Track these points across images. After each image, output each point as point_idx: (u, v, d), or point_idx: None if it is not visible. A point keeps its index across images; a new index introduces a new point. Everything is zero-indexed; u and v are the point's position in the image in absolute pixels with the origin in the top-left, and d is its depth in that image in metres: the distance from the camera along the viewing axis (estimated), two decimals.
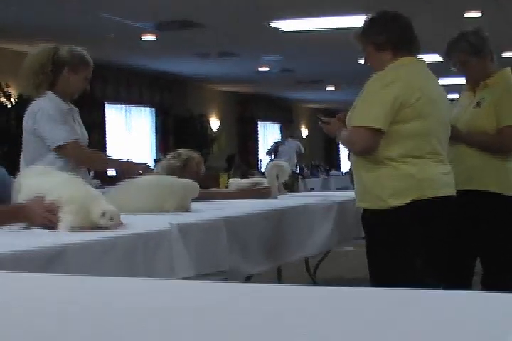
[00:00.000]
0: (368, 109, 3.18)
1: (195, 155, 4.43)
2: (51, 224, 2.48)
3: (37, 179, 2.70)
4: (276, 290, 1.30)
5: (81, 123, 3.99)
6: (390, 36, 3.28)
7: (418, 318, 0.99)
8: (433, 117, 3.21)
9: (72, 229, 2.43)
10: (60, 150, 3.73)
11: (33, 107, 3.80)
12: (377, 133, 3.13)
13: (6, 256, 1.92)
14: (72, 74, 3.84)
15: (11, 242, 2.14)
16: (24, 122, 3.83)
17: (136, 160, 4.04)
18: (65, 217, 2.46)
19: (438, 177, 3.22)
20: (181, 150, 4.51)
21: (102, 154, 3.89)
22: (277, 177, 4.49)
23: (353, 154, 3.34)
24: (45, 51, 3.84)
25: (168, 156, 4.45)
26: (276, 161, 4.89)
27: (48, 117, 3.71)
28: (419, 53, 3.35)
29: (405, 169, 3.16)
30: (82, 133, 3.93)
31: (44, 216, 2.49)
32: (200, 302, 1.16)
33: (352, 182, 11.59)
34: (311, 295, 1.23)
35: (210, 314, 1.06)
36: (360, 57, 11.45)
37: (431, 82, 3.32)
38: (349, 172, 15.50)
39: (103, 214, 2.46)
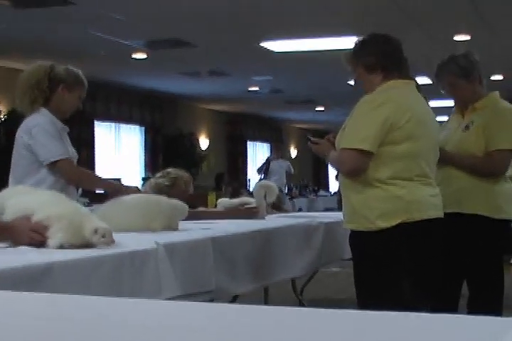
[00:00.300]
0: (357, 130, 3.19)
1: (184, 174, 4.43)
2: (37, 244, 2.46)
3: (22, 197, 2.68)
4: (261, 311, 1.30)
5: (69, 141, 3.99)
6: (381, 58, 3.29)
7: None
8: (422, 139, 3.22)
9: (62, 246, 2.42)
10: (53, 166, 3.73)
11: (28, 122, 3.80)
12: (366, 154, 3.14)
13: None
14: (66, 92, 3.87)
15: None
16: (18, 137, 3.82)
17: (125, 181, 4.05)
18: (55, 234, 2.44)
19: (426, 200, 3.22)
20: (170, 170, 4.51)
21: (93, 174, 3.90)
22: (265, 197, 4.50)
23: (341, 175, 3.34)
24: (41, 67, 3.88)
25: (157, 175, 4.45)
26: (264, 181, 4.91)
27: (44, 133, 3.72)
28: (408, 75, 3.36)
29: (394, 191, 3.16)
30: (72, 152, 3.93)
31: (30, 236, 2.47)
32: (185, 323, 1.16)
33: (339, 202, 11.59)
34: (297, 316, 1.23)
35: (195, 334, 1.05)
36: (350, 79, 11.47)
37: (420, 104, 3.33)
38: (337, 193, 15.57)
39: (95, 231, 2.44)
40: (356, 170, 3.18)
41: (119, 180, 10.12)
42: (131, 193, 3.74)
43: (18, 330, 1.11)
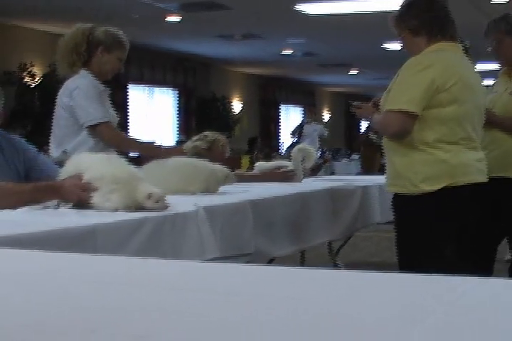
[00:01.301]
0: (403, 92, 3.15)
1: (221, 137, 4.42)
2: (85, 203, 2.48)
3: (78, 157, 2.71)
4: (301, 273, 1.30)
5: (110, 104, 3.99)
6: (426, 21, 3.24)
7: (454, 304, 0.99)
8: (468, 103, 3.18)
9: (117, 210, 2.43)
10: (93, 129, 3.73)
11: (68, 85, 3.79)
12: (411, 116, 3.10)
13: (37, 234, 1.93)
14: (106, 54, 3.85)
15: (43, 221, 2.16)
16: (58, 99, 3.81)
17: (164, 144, 4.04)
18: (109, 197, 2.45)
19: (471, 164, 3.19)
20: (207, 133, 4.50)
21: (132, 138, 3.90)
22: (302, 161, 4.48)
23: (386, 138, 3.31)
24: (80, 31, 3.86)
25: (194, 138, 4.44)
26: (303, 145, 4.87)
27: (84, 95, 3.71)
28: (455, 38, 3.31)
29: (439, 155, 3.14)
30: (113, 115, 3.93)
31: (79, 194, 2.50)
32: (228, 285, 1.16)
33: (362, 167, 11.53)
34: (336, 278, 1.23)
35: (238, 296, 1.06)
36: (385, 41, 11.36)
37: (467, 68, 3.29)
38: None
39: (149, 196, 2.45)
40: (402, 132, 3.15)
41: (152, 143, 10.19)
42: (173, 154, 3.73)
43: (64, 291, 1.12)
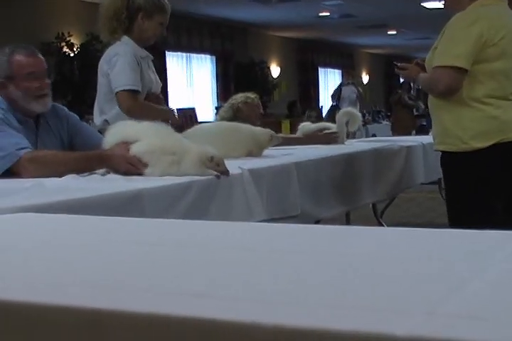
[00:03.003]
0: (450, 48, 3.10)
1: (245, 100, 4.47)
2: (134, 170, 2.51)
3: (123, 125, 2.72)
4: (356, 231, 1.29)
5: (153, 69, 3.93)
6: None
7: (507, 260, 0.97)
8: None
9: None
10: (116, 96, 3.65)
11: (109, 51, 3.76)
12: (460, 71, 3.06)
13: (85, 200, 1.94)
14: (146, 20, 3.78)
15: (91, 187, 2.18)
16: (100, 66, 3.78)
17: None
18: (174, 167, 2.47)
19: None
20: (233, 98, 4.55)
21: (155, 107, 3.75)
22: (347, 124, 4.46)
23: (432, 95, 3.26)
24: None
25: (225, 105, 4.52)
26: (348, 109, 4.85)
27: (121, 62, 3.63)
28: None
29: (488, 111, 3.09)
30: (155, 81, 3.88)
31: (127, 167, 2.52)
32: (286, 244, 1.16)
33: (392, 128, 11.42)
34: (389, 235, 1.22)
35: (299, 255, 1.05)
36: (423, 0, 11.19)
37: None
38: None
39: (211, 159, 2.45)
40: (452, 88, 3.10)
41: (193, 109, 10.21)
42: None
43: (112, 253, 1.12)
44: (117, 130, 2.70)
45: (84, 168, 2.60)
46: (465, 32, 3.07)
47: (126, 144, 2.57)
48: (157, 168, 2.47)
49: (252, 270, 0.95)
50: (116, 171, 2.57)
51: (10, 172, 2.60)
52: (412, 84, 14.30)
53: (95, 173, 2.58)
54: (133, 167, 2.52)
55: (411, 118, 15.05)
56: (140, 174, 2.49)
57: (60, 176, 2.48)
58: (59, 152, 2.84)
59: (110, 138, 2.68)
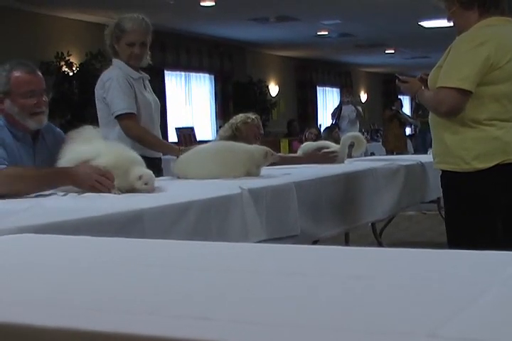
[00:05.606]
0: (457, 69, 3.07)
1: (245, 121, 4.49)
2: (102, 188, 2.54)
3: (76, 146, 2.77)
4: (355, 252, 1.29)
5: (150, 89, 4.02)
6: None
7: (507, 281, 0.97)
8: None
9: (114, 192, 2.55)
10: (117, 120, 3.80)
11: (103, 76, 3.90)
12: (465, 94, 3.04)
13: (85, 220, 1.94)
14: (116, 44, 3.93)
15: (89, 207, 2.18)
16: (96, 91, 3.92)
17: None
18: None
19: None
20: (233, 118, 4.58)
21: (154, 136, 3.86)
22: (350, 146, 4.46)
23: (435, 115, 3.24)
24: (111, 23, 3.99)
25: (222, 128, 4.56)
26: (356, 133, 4.88)
27: (114, 86, 3.79)
28: (508, 13, 3.18)
29: (491, 132, 3.08)
30: (153, 100, 3.97)
31: (97, 179, 2.54)
32: (276, 265, 1.16)
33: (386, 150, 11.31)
34: (388, 256, 1.22)
35: (295, 276, 1.05)
36: (421, 19, 11.21)
37: None
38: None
39: (139, 178, 2.56)
40: (455, 109, 3.08)
41: (191, 128, 10.22)
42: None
43: (113, 275, 1.12)
44: (70, 149, 2.76)
45: (48, 184, 2.62)
46: (472, 54, 3.04)
47: (88, 163, 2.64)
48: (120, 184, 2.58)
49: (253, 292, 0.95)
50: (82, 187, 2.59)
51: None
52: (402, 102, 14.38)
53: (55, 194, 2.61)
54: (99, 184, 2.56)
55: (403, 137, 15.15)
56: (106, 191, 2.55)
57: (30, 192, 2.55)
58: (29, 167, 2.87)
59: (64, 157, 2.75)
